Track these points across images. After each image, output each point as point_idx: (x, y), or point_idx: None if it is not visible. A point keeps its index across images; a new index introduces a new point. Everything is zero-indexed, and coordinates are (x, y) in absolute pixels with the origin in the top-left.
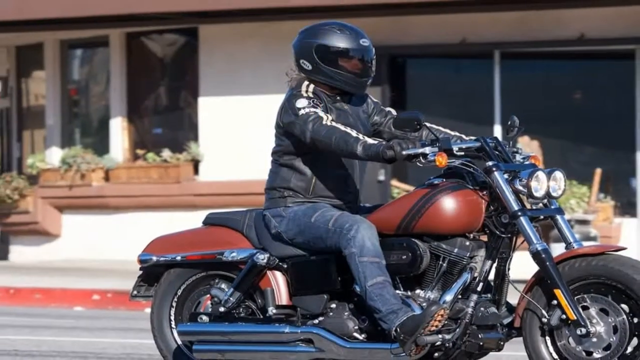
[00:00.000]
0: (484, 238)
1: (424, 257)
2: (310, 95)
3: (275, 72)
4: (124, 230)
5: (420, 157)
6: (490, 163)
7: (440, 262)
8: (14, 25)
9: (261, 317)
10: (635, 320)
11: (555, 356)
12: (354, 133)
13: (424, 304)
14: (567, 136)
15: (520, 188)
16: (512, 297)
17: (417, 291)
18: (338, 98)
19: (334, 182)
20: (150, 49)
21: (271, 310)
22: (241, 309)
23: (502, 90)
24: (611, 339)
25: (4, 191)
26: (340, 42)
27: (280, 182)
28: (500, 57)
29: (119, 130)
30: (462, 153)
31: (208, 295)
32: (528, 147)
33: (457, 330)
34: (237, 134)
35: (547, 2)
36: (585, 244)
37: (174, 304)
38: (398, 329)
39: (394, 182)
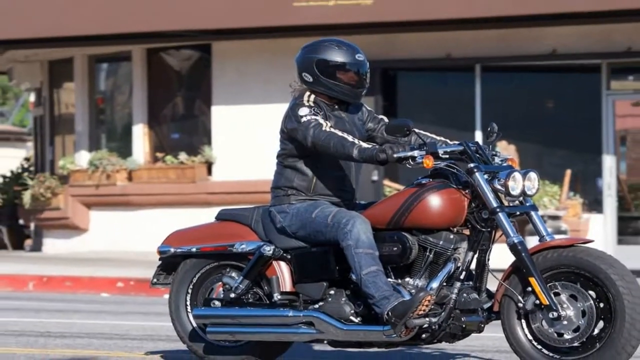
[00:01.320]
0: (467, 232)
1: (412, 249)
2: (311, 104)
3: (280, 84)
4: (145, 225)
5: (410, 160)
6: (472, 165)
7: (427, 253)
8: (47, 41)
9: (267, 302)
10: (602, 305)
11: (530, 337)
12: (350, 138)
13: (413, 291)
14: (540, 141)
15: (499, 187)
16: (492, 284)
17: (407, 279)
18: (336, 107)
19: (332, 181)
20: (168, 63)
21: (276, 296)
22: (250, 295)
23: (482, 100)
24: (580, 322)
25: (38, 190)
26: (338, 57)
27: (284, 181)
28: (481, 70)
29: (140, 136)
30: (447, 156)
31: (220, 283)
32: (506, 150)
33: (443, 314)
34: (246, 139)
35: (522, 21)
36: (557, 237)
37: (190, 291)
38: (390, 313)
39: (386, 182)
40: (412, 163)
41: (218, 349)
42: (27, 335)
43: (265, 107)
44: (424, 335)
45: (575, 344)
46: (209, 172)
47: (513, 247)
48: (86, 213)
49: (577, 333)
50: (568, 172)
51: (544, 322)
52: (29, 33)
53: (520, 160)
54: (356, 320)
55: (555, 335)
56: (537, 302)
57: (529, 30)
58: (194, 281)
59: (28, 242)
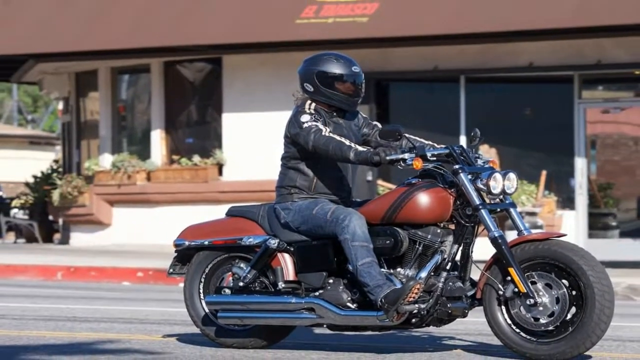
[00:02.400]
0: (452, 227)
1: (403, 242)
2: (312, 111)
3: (284, 93)
4: (162, 220)
5: (401, 162)
6: (457, 166)
7: (417, 246)
8: (74, 55)
9: (273, 290)
10: (574, 292)
11: (509, 322)
12: (347, 142)
13: (404, 280)
14: (519, 144)
15: (481, 186)
16: (475, 274)
17: (398, 269)
18: (334, 114)
19: (331, 181)
20: (183, 74)
21: (281, 285)
22: (256, 284)
23: (466, 108)
24: (554, 308)
25: (66, 189)
26: (336, 69)
27: (287, 181)
28: (465, 81)
29: (158, 140)
30: (434, 158)
31: (230, 273)
32: (487, 153)
33: (430, 300)
34: (253, 143)
35: (502, 37)
36: (534, 231)
37: (203, 280)
38: (383, 300)
39: (380, 182)
40: (403, 165)
41: (228, 332)
42: (56, 320)
43: (271, 114)
44: (413, 320)
45: (550, 328)
46: (220, 172)
47: (494, 241)
48: (109, 210)
49: (552, 318)
50: (543, 172)
51: (522, 308)
52: (58, 47)
53: (500, 162)
54: (353, 306)
55: (532, 320)
56: (516, 290)
57: (508, 45)
58: (207, 271)
59: (57, 236)
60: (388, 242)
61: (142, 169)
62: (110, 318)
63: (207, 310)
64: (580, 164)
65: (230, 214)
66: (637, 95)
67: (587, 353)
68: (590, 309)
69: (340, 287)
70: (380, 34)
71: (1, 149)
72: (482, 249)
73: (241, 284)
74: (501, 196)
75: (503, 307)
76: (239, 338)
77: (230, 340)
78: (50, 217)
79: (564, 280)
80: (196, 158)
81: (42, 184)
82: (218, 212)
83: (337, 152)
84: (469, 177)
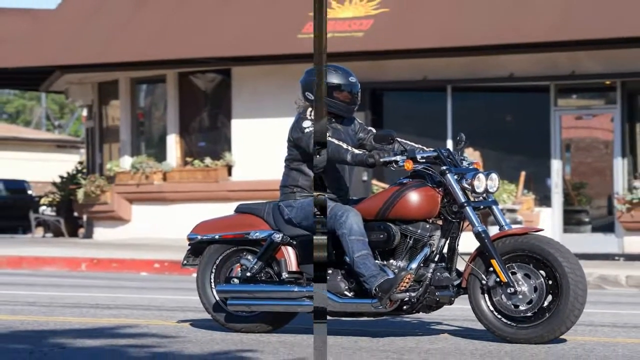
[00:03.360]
0: (440, 222)
1: (396, 236)
2: (313, 118)
3: (288, 101)
4: (177, 216)
5: (393, 163)
6: (444, 167)
7: (408, 240)
8: (97, 66)
9: (277, 280)
10: (550, 282)
11: (492, 308)
12: (344, 145)
13: (396, 270)
14: (500, 148)
15: (466, 186)
16: (460, 265)
17: (391, 261)
18: (333, 120)
19: (330, 181)
20: (196, 84)
21: (284, 275)
22: (262, 274)
23: (452, 115)
24: (532, 296)
25: (90, 188)
26: (334, 79)
27: (290, 181)
28: (452, 90)
29: (173, 144)
30: (424, 160)
31: (238, 264)
32: (472, 156)
33: (420, 289)
34: (259, 146)
35: (486, 50)
36: (514, 226)
37: (214, 270)
38: (377, 289)
39: (374, 181)
40: (395, 166)
41: (237, 318)
42: (81, 307)
43: (275, 120)
44: (405, 307)
45: (529, 314)
46: (229, 173)
47: (478, 235)
48: (129, 207)
49: (530, 305)
50: (523, 173)
51: (503, 296)
52: (82, 60)
53: (483, 164)
54: (349, 294)
55: (512, 307)
56: (498, 279)
57: (491, 57)
58: (217, 262)
59: (81, 231)
60: (382, 236)
61: (158, 170)
62: (130, 305)
63: (217, 298)
64: (556, 165)
65: (238, 210)
66: (607, 103)
67: (562, 337)
68: (565, 297)
69: (339, 277)
70: (374, 48)
71: (31, 152)
72: (467, 243)
73: (248, 274)
74: (484, 194)
75: (486, 295)
76: (247, 323)
77: (238, 325)
78: (75, 214)
79: (541, 271)
80: (208, 160)
81: (68, 184)
82: (227, 209)
83: (335, 154)
84: (455, 177)
